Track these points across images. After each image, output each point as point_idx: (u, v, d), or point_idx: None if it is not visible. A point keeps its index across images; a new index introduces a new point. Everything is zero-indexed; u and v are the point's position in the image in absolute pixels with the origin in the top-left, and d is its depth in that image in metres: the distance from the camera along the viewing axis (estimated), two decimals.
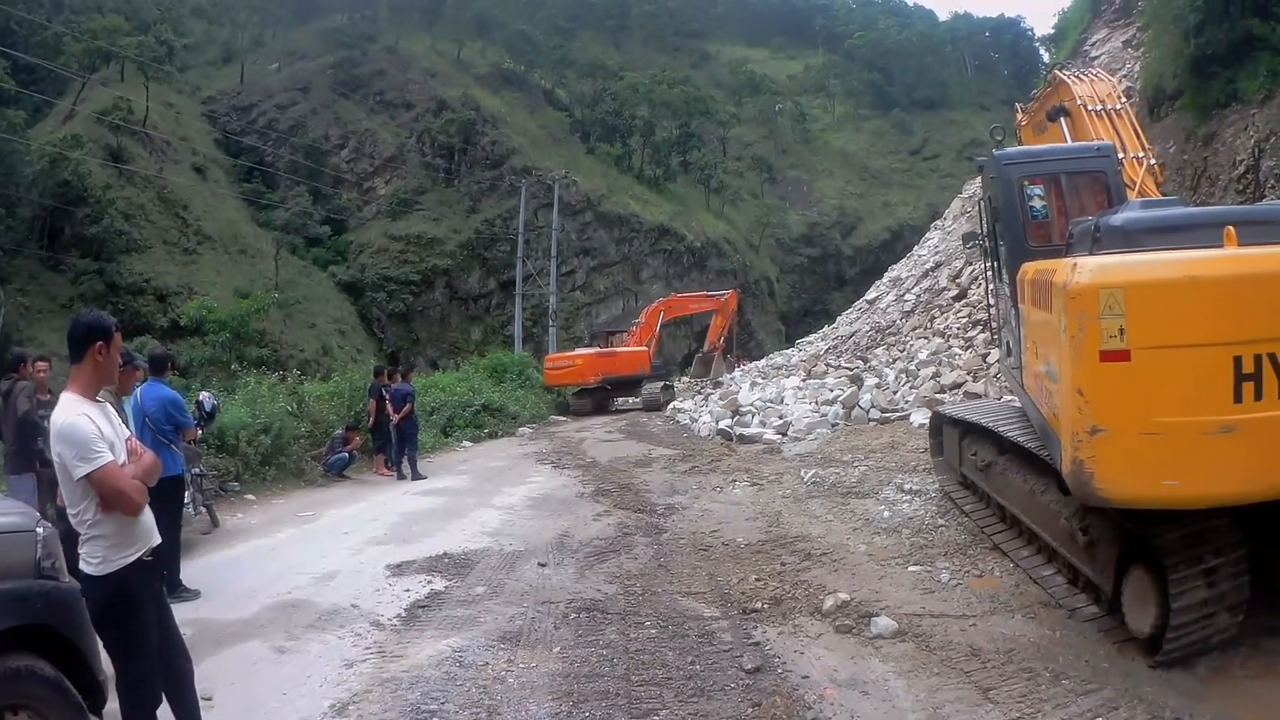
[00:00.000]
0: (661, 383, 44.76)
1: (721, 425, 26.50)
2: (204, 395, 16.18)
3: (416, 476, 21.83)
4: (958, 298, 29.62)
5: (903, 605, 9.72)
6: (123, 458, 5.89)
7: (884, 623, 9.05)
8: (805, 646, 8.80)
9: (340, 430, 22.67)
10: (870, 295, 45.61)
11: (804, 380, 29.35)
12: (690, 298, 55.07)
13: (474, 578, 11.98)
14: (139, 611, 5.93)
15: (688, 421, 31.18)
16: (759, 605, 10.06)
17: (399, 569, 12.56)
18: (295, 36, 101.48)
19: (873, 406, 22.44)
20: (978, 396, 19.36)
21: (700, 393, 38.65)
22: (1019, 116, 16.57)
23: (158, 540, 6.19)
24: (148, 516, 6.07)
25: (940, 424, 14.99)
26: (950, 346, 24.79)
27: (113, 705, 6.13)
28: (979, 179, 14.73)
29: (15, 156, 50.77)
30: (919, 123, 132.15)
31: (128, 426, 6.91)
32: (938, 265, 36.22)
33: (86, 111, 62.19)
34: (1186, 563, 7.49)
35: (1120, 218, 8.22)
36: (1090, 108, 13.10)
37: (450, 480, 21.73)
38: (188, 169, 68.64)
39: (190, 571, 12.03)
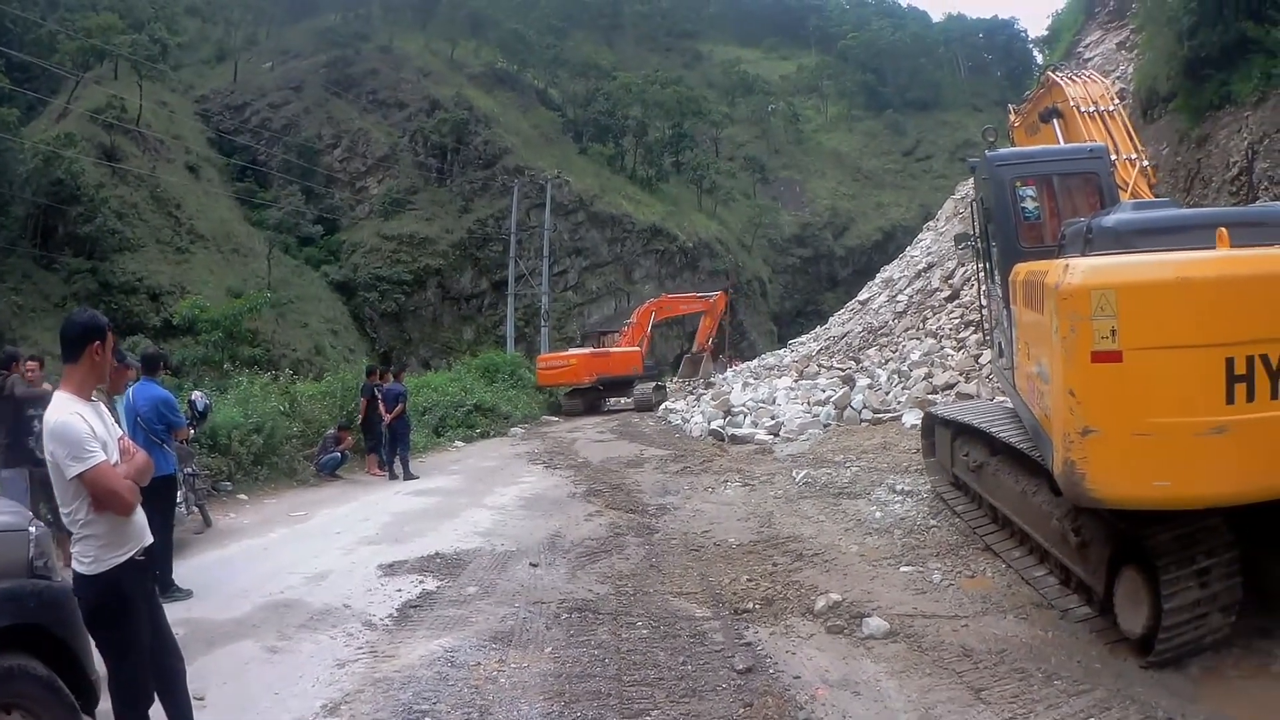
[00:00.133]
0: (653, 383, 44.82)
1: (713, 426, 26.50)
2: (196, 395, 16.15)
3: (408, 476, 21.82)
4: (950, 298, 29.63)
5: (894, 606, 9.73)
6: (115, 457, 5.86)
7: (876, 623, 9.05)
8: (797, 647, 8.80)
9: (332, 430, 22.67)
10: (862, 296, 45.59)
11: (796, 381, 29.36)
12: (680, 299, 55.25)
13: (466, 578, 11.98)
14: (131, 611, 5.92)
15: (679, 422, 31.18)
16: (751, 606, 10.06)
17: (391, 569, 12.55)
18: (288, 35, 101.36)
19: (865, 407, 22.50)
20: (970, 397, 19.42)
21: (692, 393, 38.71)
22: (1012, 118, 16.58)
23: (150, 540, 6.18)
24: (140, 516, 6.06)
25: (932, 425, 15.00)
26: (942, 347, 24.88)
27: (105, 705, 6.12)
28: (972, 180, 14.73)
29: (9, 155, 50.65)
30: (912, 124, 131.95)
31: (120, 425, 6.89)
32: (930, 266, 36.21)
33: (80, 110, 62.02)
34: (1179, 563, 7.51)
35: (1112, 219, 8.23)
36: (1083, 109, 13.12)
37: (442, 480, 21.72)
38: (181, 168, 68.48)
39: (182, 571, 12.03)
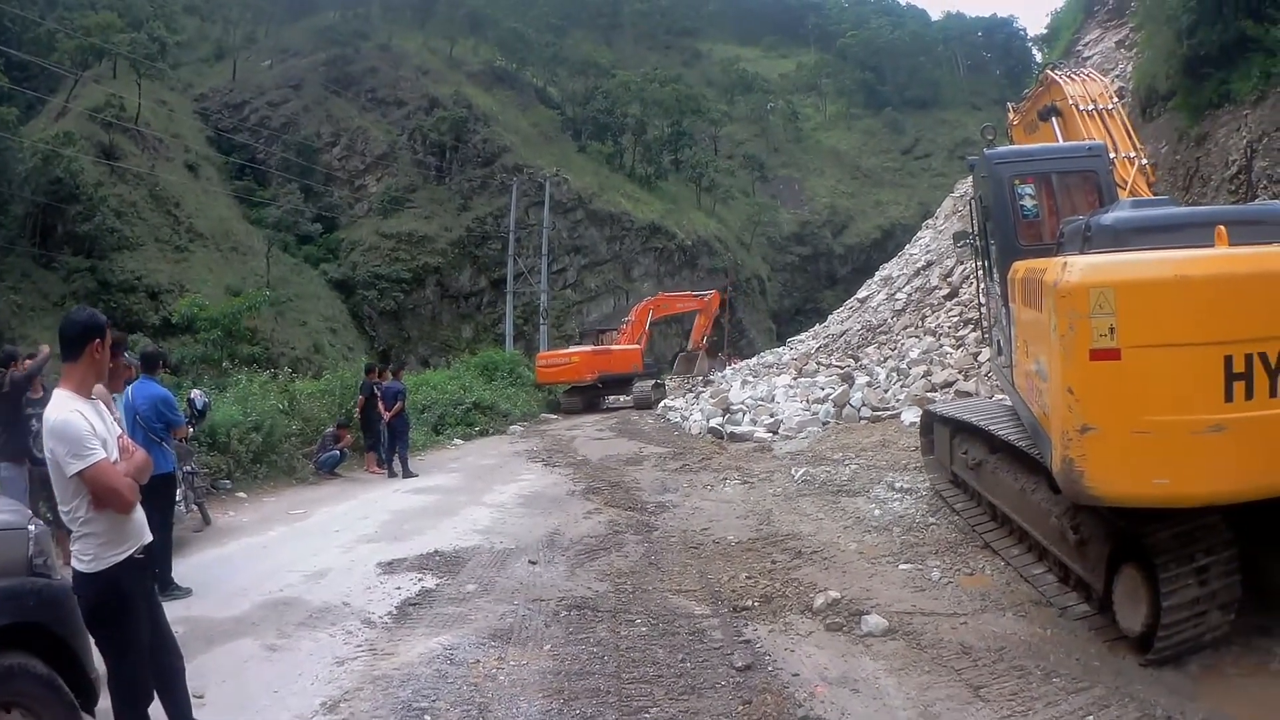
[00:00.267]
0: (653, 381, 44.77)
1: (712, 423, 26.51)
2: (195, 393, 16.13)
3: (407, 474, 21.81)
4: (949, 296, 29.64)
5: (893, 603, 9.73)
6: (115, 455, 5.86)
7: (874, 621, 9.05)
8: (796, 644, 8.82)
9: (331, 428, 22.67)
10: (861, 294, 45.59)
11: (795, 379, 29.40)
12: (676, 297, 55.26)
13: (465, 575, 11.98)
14: (130, 609, 5.92)
15: (679, 420, 31.18)
16: (750, 603, 10.07)
17: (390, 567, 12.55)
18: (287, 34, 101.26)
19: (864, 405, 22.50)
20: (969, 395, 19.41)
21: (691, 391, 38.75)
22: (1011, 116, 16.58)
23: (150, 538, 6.18)
24: (139, 514, 6.06)
25: (931, 422, 15.01)
26: (941, 345, 24.88)
27: (105, 703, 6.12)
28: (970, 178, 14.74)
29: (8, 154, 50.55)
30: (911, 122, 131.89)
31: (120, 425, 6.88)
32: (929, 264, 36.22)
33: (79, 109, 61.89)
34: (1178, 561, 7.52)
35: (1111, 217, 8.23)
36: (1082, 107, 13.12)
37: (441, 478, 21.71)
38: (180, 166, 68.35)
39: (182, 569, 12.02)
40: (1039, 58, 70.56)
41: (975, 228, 13.50)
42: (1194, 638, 7.62)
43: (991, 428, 10.98)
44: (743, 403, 28.01)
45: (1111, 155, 11.64)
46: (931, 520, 13.05)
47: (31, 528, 6.20)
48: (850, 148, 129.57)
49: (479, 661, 8.62)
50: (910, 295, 34.38)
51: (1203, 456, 7.04)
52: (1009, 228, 11.28)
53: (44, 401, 10.99)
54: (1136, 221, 8.09)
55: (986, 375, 19.85)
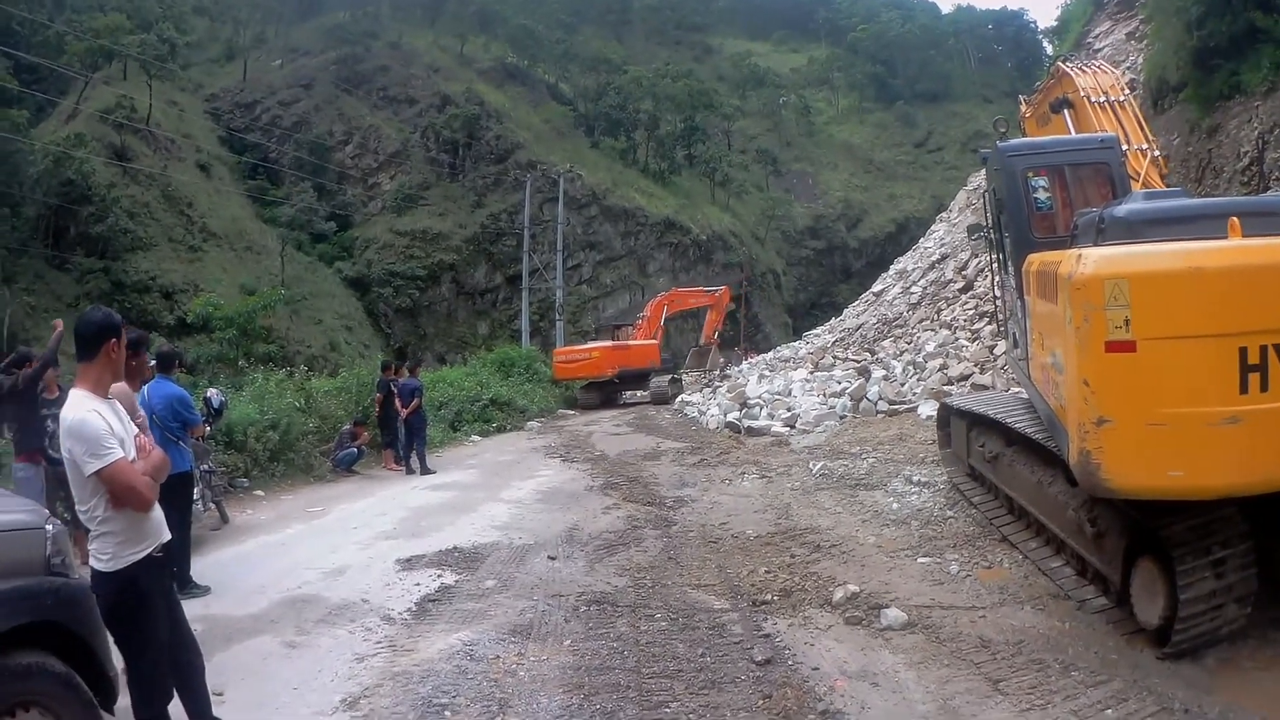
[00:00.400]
0: (670, 376, 44.72)
1: (729, 418, 26.45)
2: (211, 392, 16.20)
3: (425, 471, 21.83)
4: (964, 290, 29.53)
5: (912, 597, 9.73)
6: (132, 454, 5.89)
7: (894, 614, 9.05)
8: (815, 638, 8.81)
9: (348, 426, 22.72)
10: (877, 288, 45.48)
11: (811, 373, 29.28)
12: (689, 293, 55.10)
13: (484, 571, 12.01)
14: (149, 608, 5.95)
15: (696, 414, 31.11)
16: (769, 597, 10.08)
17: (409, 563, 12.59)
18: (297, 34, 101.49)
19: (880, 399, 22.40)
20: (985, 388, 19.34)
21: (708, 386, 38.69)
22: (1023, 108, 16.54)
23: (168, 536, 6.21)
24: (158, 513, 6.09)
25: (948, 416, 14.96)
26: (957, 338, 24.74)
27: (124, 701, 6.16)
28: (984, 171, 14.74)
29: (18, 156, 50.64)
30: (923, 115, 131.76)
31: (144, 425, 6.92)
32: (944, 258, 36.11)
33: (89, 110, 62.00)
34: (1194, 554, 7.49)
35: (1124, 209, 8.23)
36: (1094, 99, 13.08)
37: (459, 474, 21.73)
38: (192, 166, 68.52)
39: (200, 567, 12.07)
40: (1049, 50, 70.53)
41: (989, 220, 13.50)
42: (1211, 631, 7.58)
43: (1008, 421, 10.94)
44: (760, 397, 27.97)
45: (1124, 147, 11.60)
46: (949, 514, 13.01)
47: (49, 527, 6.22)
48: (863, 141, 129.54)
49: (499, 657, 8.65)
50: (925, 289, 34.26)
51: (1218, 449, 7.03)
52: (1023, 220, 11.27)
53: (60, 401, 11.07)
54: (1150, 213, 8.08)
55: (1002, 368, 19.76)
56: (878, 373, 24.63)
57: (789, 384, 28.51)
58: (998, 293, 14.36)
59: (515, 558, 12.75)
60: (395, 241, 75.46)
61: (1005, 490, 11.76)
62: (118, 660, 6.16)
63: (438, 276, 75.30)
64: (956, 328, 26.02)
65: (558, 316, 61.14)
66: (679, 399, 37.53)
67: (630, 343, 44.71)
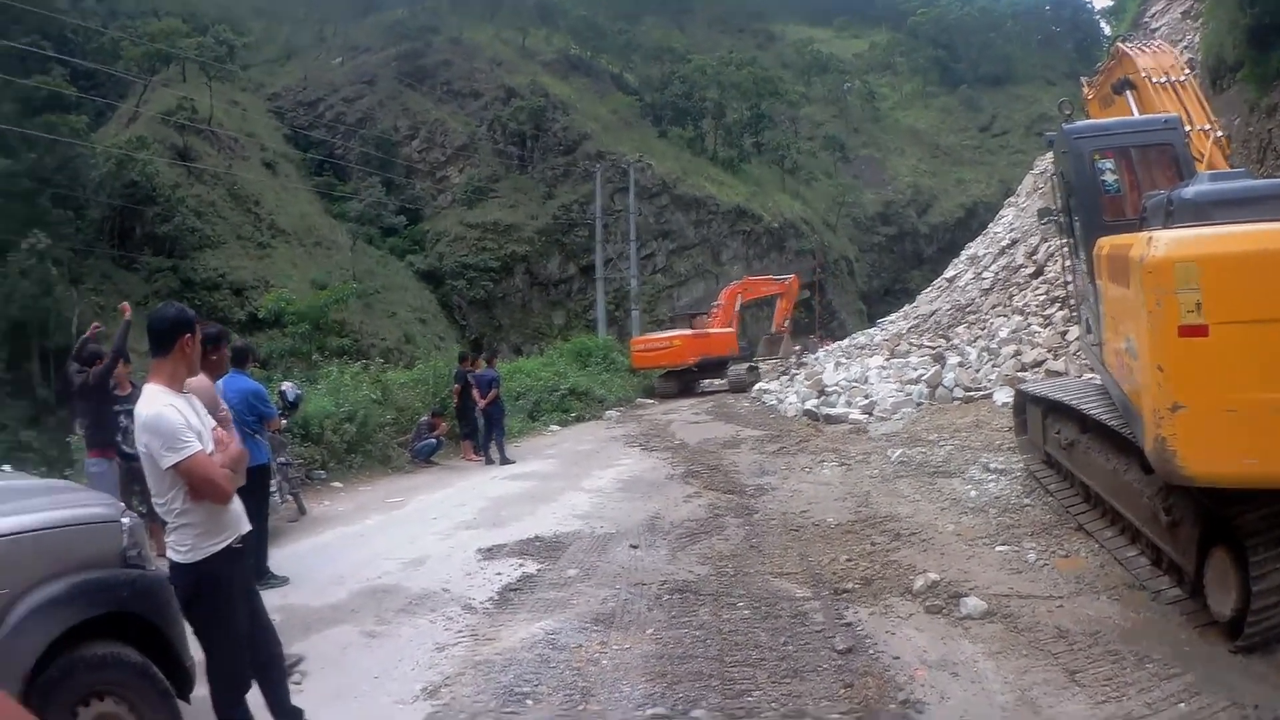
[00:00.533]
0: (747, 364, 44.65)
1: (808, 406, 26.40)
2: (286, 385, 16.33)
3: (505, 461, 21.90)
4: (1035, 275, 29.15)
5: (991, 585, 9.70)
6: (210, 447, 5.92)
7: (973, 603, 9.04)
8: (896, 627, 8.82)
9: (426, 417, 22.81)
10: (949, 273, 44.99)
11: (887, 359, 29.16)
12: (760, 281, 55.02)
13: (566, 560, 12.02)
14: (227, 598, 6.00)
15: (774, 402, 31.09)
16: (850, 585, 10.07)
17: (490, 553, 12.61)
18: (356, 31, 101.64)
19: (956, 385, 22.34)
20: (1059, 374, 19.12)
21: (785, 373, 38.57)
22: (1085, 90, 16.39)
23: (248, 528, 6.26)
24: (237, 504, 6.14)
25: (1023, 402, 14.92)
26: (1030, 324, 24.57)
27: (202, 691, 6.25)
28: (1049, 154, 14.56)
29: (80, 161, 51.36)
30: (986, 99, 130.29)
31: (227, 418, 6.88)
32: (1014, 242, 35.69)
33: (150, 113, 62.53)
34: (1267, 544, 7.37)
35: (1192, 190, 8.11)
36: (1154, 80, 12.96)
37: (538, 464, 21.79)
38: (257, 165, 68.85)
39: (278, 559, 12.24)
40: (1107, 31, 69.69)
41: (1058, 204, 13.32)
42: None
43: (1083, 407, 10.84)
44: (837, 384, 27.94)
45: (1186, 128, 11.45)
46: (1026, 501, 12.95)
47: (125, 520, 6.41)
48: (928, 126, 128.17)
49: (581, 646, 8.64)
50: (997, 274, 33.88)
51: None
52: (1092, 203, 11.17)
53: (132, 398, 11.19)
54: (1218, 195, 7.93)
55: (1076, 354, 19.57)
56: (953, 359, 24.51)
57: (865, 371, 28.46)
58: (1069, 277, 14.19)
59: (597, 546, 12.74)
60: (466, 234, 75.49)
61: (1081, 478, 11.66)
62: (196, 651, 6.21)
63: (511, 268, 75.20)
64: (1029, 313, 25.81)
65: (633, 306, 61.20)
66: (756, 387, 37.41)
67: (709, 331, 44.60)
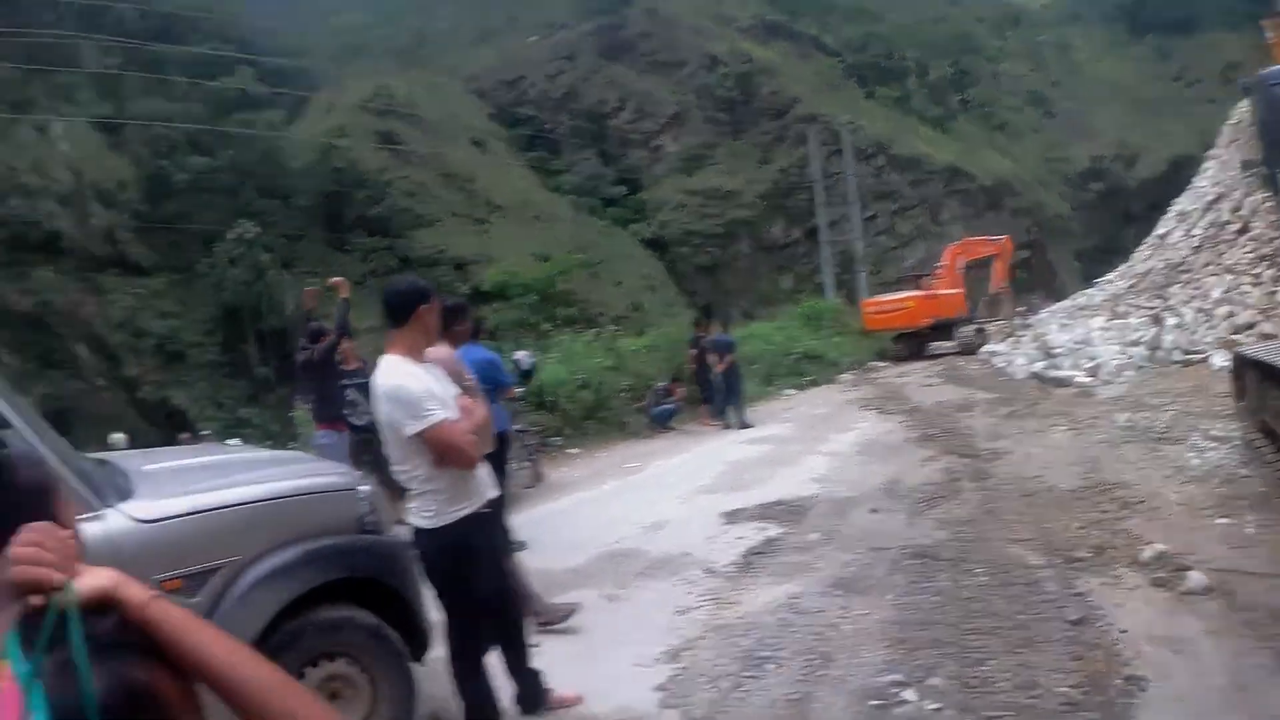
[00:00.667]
0: (975, 326, 43.88)
1: (1035, 368, 25.93)
2: (520, 354, 16.63)
3: (743, 425, 22.05)
4: (1240, 231, 27.53)
5: (1213, 559, 9.41)
6: (455, 414, 6.00)
7: (1197, 578, 8.81)
8: (1125, 599, 8.67)
9: (662, 383, 23.01)
10: (1160, 231, 43.18)
11: (1108, 321, 28.50)
12: (978, 242, 53.85)
13: (807, 524, 12.07)
14: (472, 562, 6.12)
15: (1003, 365, 30.58)
16: (1082, 554, 9.96)
17: (731, 516, 12.75)
18: (548, 10, 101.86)
19: (1175, 348, 21.86)
20: (1272, 337, 18.23)
21: (1011, 335, 37.90)
22: (1269, 34, 15.60)
23: (495, 493, 6.37)
24: (483, 470, 6.22)
25: (1241, 367, 14.28)
26: (1240, 283, 23.42)
27: (436, 652, 6.68)
28: (1245, 103, 13.84)
29: (280, 153, 53.00)
30: (1175, 46, 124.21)
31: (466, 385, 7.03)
32: (1219, 197, 33.71)
33: (347, 102, 64.15)
34: None
35: None
36: None
37: (775, 428, 21.90)
38: (465, 144, 70.03)
39: (517, 524, 12.41)
40: None
41: (1261, 155, 12.68)
42: None
43: None
44: (1062, 346, 27.43)
45: None
46: (1245, 472, 12.50)
47: (362, 488, 6.82)
48: (1125, 77, 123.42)
49: (822, 610, 8.68)
50: (1205, 231, 32.24)
51: None
52: None
53: (360, 373, 11.56)
54: None
55: None
56: (1170, 321, 23.77)
57: (1089, 332, 27.90)
58: (1275, 233, 13.51)
59: (837, 510, 12.77)
60: (687, 201, 75.38)
61: None
62: (435, 613, 6.54)
63: (735, 233, 75.13)
64: (1238, 272, 24.53)
65: (859, 268, 60.63)
66: (984, 349, 36.85)
67: (939, 292, 44.00)
